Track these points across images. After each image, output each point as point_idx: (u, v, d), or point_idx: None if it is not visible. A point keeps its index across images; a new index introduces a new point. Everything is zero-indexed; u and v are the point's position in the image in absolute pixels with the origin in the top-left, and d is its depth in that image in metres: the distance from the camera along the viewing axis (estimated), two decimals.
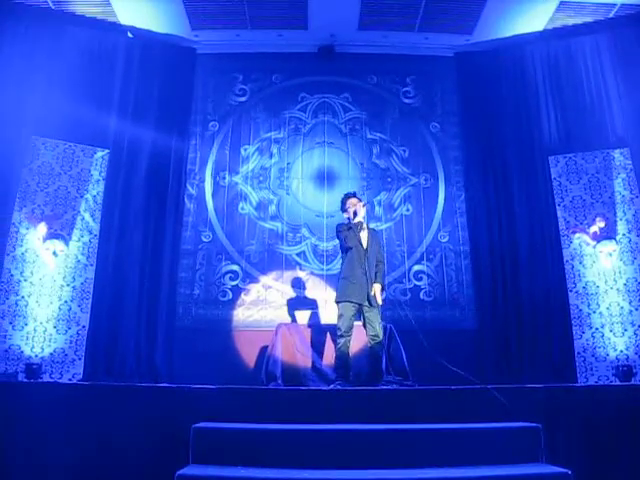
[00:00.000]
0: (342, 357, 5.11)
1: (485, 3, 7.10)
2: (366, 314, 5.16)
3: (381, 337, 5.19)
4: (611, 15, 7.21)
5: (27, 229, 6.48)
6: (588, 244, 6.79)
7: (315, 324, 6.34)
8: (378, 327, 5.14)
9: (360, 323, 5.28)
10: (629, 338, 6.35)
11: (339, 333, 5.12)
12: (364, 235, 5.34)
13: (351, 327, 5.15)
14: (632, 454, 3.76)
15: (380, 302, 5.22)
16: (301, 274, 7.36)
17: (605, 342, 6.44)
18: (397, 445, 3.34)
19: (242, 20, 7.47)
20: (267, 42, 7.89)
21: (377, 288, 5.21)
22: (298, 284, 7.30)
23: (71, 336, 6.40)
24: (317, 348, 5.88)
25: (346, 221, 5.51)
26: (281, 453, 3.29)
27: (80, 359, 6.36)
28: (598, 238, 6.75)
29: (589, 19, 7.33)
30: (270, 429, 3.49)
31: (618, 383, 5.85)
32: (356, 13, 7.37)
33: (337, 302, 5.23)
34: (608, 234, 6.73)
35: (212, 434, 3.46)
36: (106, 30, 7.42)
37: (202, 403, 3.85)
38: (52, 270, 6.49)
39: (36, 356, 6.17)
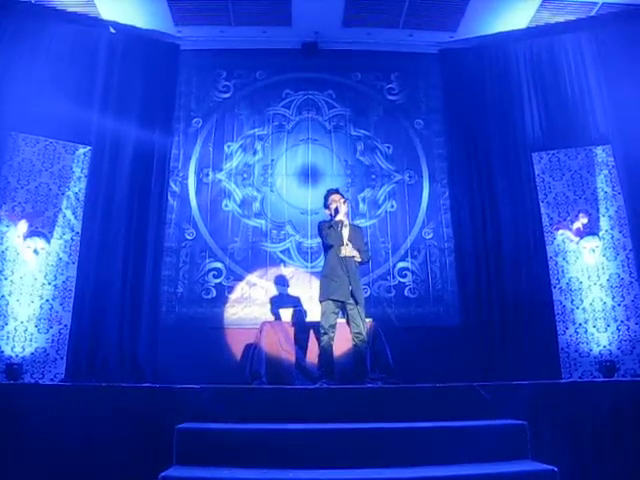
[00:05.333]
0: (325, 355, 5.13)
1: (469, 1, 7.10)
2: (349, 312, 5.15)
3: (365, 335, 5.18)
4: (593, 13, 7.26)
5: (7, 227, 6.35)
6: (571, 240, 6.82)
7: (300, 321, 6.31)
8: (362, 325, 5.13)
9: (344, 320, 5.28)
10: (612, 333, 6.39)
11: (322, 331, 5.14)
12: (345, 232, 5.31)
13: (333, 325, 5.15)
14: (616, 449, 3.79)
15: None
16: (285, 271, 7.33)
17: (588, 338, 6.48)
18: (382, 444, 3.33)
19: (226, 16, 7.40)
20: (251, 38, 7.83)
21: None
22: (282, 281, 7.26)
23: (53, 335, 6.30)
24: (301, 345, 5.87)
25: (328, 218, 5.50)
26: (266, 453, 3.26)
27: (62, 359, 6.25)
28: (581, 234, 6.78)
29: (571, 17, 7.37)
30: (255, 429, 3.46)
31: (601, 379, 5.90)
32: (340, 10, 7.33)
33: (320, 301, 5.23)
34: (591, 230, 6.77)
35: (196, 434, 3.42)
36: (88, 25, 7.29)
37: (186, 403, 3.81)
38: (33, 268, 6.38)
39: (17, 356, 6.06)
